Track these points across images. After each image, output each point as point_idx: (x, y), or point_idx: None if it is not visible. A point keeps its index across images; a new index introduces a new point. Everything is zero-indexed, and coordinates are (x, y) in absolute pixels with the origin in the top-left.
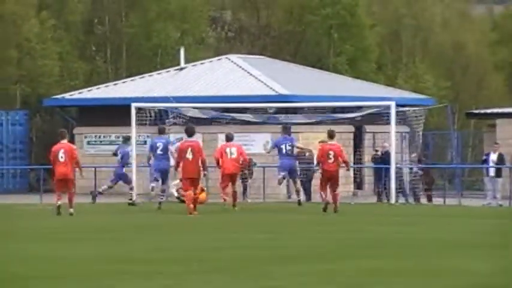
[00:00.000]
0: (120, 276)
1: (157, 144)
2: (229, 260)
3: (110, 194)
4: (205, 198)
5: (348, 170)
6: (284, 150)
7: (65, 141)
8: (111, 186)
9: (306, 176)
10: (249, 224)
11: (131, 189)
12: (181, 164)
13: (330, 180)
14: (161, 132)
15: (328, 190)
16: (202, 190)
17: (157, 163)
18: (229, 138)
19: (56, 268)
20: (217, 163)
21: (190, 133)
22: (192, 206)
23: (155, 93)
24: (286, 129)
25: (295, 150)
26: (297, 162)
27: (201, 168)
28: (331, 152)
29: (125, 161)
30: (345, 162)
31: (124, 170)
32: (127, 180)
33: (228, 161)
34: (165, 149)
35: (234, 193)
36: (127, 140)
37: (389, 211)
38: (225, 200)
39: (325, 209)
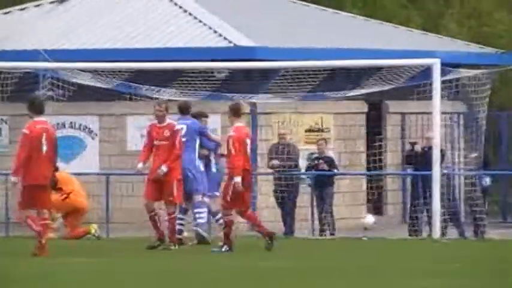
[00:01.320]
0: None
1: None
2: None
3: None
4: (84, 204)
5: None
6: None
7: None
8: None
9: (288, 192)
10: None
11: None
12: (22, 162)
13: (249, 186)
14: (184, 110)
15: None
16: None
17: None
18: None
19: None
20: None
21: (39, 109)
22: (43, 240)
23: (17, 44)
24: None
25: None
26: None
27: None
28: (248, 141)
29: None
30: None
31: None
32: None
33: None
34: (192, 135)
35: (172, 219)
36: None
37: (429, 254)
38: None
39: (270, 241)
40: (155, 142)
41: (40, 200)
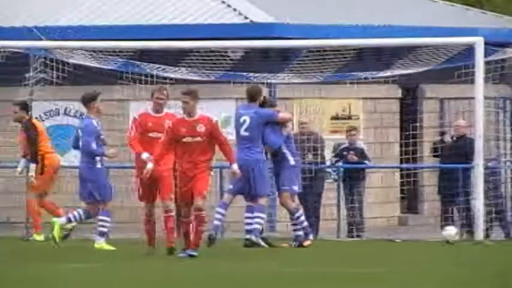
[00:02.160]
0: None
1: (242, 119)
2: None
3: None
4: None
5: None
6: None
7: None
8: None
9: (312, 188)
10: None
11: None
12: None
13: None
14: (253, 96)
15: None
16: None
17: (240, 156)
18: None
19: None
20: None
21: None
22: None
23: (6, 20)
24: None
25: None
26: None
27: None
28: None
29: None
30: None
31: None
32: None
33: None
34: (256, 129)
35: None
36: None
37: (468, 258)
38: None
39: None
40: (151, 134)
41: None
